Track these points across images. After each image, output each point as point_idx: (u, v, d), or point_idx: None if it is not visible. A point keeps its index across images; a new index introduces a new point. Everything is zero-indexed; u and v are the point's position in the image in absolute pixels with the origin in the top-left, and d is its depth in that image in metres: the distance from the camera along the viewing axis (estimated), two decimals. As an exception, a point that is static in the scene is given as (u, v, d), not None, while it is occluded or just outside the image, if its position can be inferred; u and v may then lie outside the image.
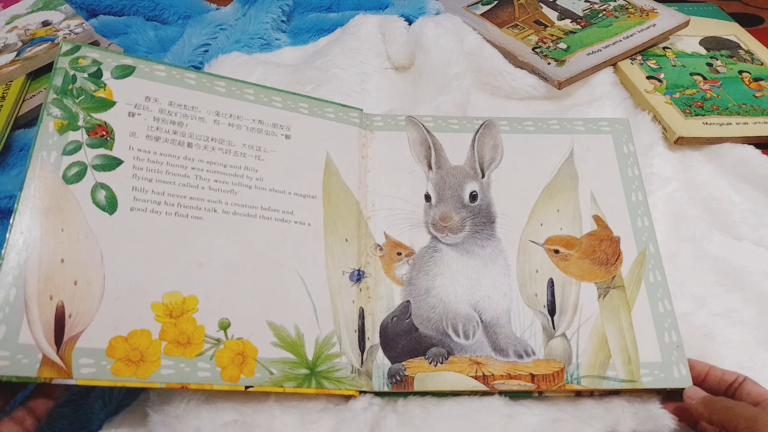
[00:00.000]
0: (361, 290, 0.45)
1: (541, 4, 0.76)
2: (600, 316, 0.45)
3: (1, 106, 0.58)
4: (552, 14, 0.74)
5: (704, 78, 0.67)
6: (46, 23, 0.67)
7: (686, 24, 0.71)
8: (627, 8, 0.74)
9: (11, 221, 0.37)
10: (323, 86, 0.62)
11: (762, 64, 0.69)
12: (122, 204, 0.40)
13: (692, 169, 0.59)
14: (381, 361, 0.43)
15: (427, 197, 0.49)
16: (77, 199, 0.39)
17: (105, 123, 0.42)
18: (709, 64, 0.69)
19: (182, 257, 0.41)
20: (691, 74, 0.68)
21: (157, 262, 0.40)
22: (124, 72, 0.44)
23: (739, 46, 0.72)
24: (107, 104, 0.42)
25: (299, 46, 0.73)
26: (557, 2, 0.76)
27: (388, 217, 0.48)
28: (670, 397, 0.42)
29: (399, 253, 0.47)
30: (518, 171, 0.50)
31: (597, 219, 0.48)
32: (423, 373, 0.42)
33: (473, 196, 0.49)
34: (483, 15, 0.74)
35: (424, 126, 0.52)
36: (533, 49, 0.68)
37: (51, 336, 0.36)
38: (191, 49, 0.69)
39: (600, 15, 0.73)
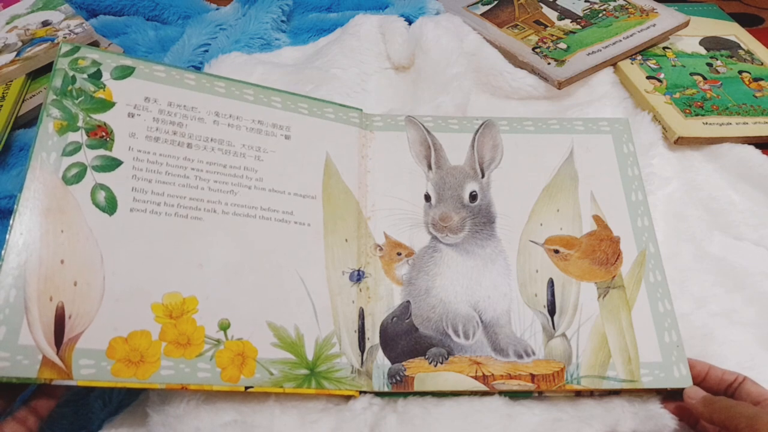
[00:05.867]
0: (360, 290, 0.45)
1: (541, 4, 0.76)
2: (600, 316, 0.45)
3: (1, 106, 0.58)
4: (552, 14, 0.74)
5: (704, 78, 0.67)
6: (46, 23, 0.67)
7: (686, 24, 0.71)
8: (627, 8, 0.74)
9: (11, 222, 0.37)
10: (323, 86, 0.62)
11: (762, 64, 0.69)
12: (122, 205, 0.40)
13: (692, 169, 0.59)
14: (381, 362, 0.43)
15: (427, 197, 0.49)
16: (77, 200, 0.39)
17: (104, 124, 0.42)
18: (709, 64, 0.69)
19: (182, 258, 0.41)
20: (691, 74, 0.68)
21: (157, 263, 0.40)
22: (124, 73, 0.44)
23: (739, 46, 0.72)
24: (107, 105, 0.42)
25: (299, 46, 0.73)
26: (557, 2, 0.76)
27: (387, 217, 0.48)
28: (670, 396, 0.43)
29: (399, 254, 0.47)
30: (518, 171, 0.50)
31: (597, 219, 0.48)
32: (423, 373, 0.42)
33: (473, 196, 0.49)
34: (483, 15, 0.74)
35: (423, 126, 0.52)
36: (533, 49, 0.68)
37: (51, 337, 0.36)
38: (191, 49, 0.69)
39: (600, 15, 0.73)
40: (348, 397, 0.42)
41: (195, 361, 0.38)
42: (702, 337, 0.46)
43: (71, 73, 0.42)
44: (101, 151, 0.41)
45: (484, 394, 0.42)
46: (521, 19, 0.74)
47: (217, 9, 0.78)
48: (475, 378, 0.42)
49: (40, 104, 0.58)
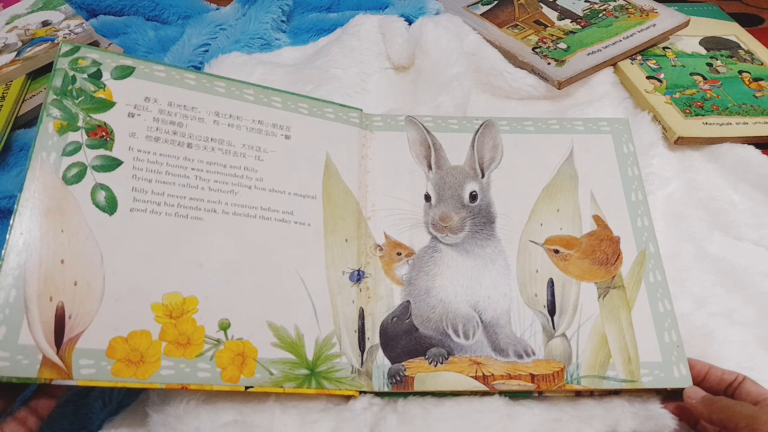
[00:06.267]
0: (360, 290, 0.45)
1: (541, 4, 0.76)
2: (600, 316, 0.45)
3: (1, 106, 0.58)
4: (552, 14, 0.74)
5: (704, 78, 0.67)
6: (46, 23, 0.67)
7: (686, 24, 0.71)
8: (627, 8, 0.74)
9: (11, 222, 0.37)
10: (323, 86, 0.62)
11: (762, 64, 0.69)
12: (122, 205, 0.40)
13: (692, 169, 0.59)
14: (381, 362, 0.43)
15: (427, 197, 0.49)
16: (77, 200, 0.39)
17: (105, 124, 0.42)
18: (709, 64, 0.69)
19: (182, 258, 0.41)
20: (691, 74, 0.68)
21: (157, 263, 0.40)
22: (124, 73, 0.44)
23: (739, 46, 0.72)
24: (107, 105, 0.42)
25: (299, 46, 0.73)
26: (557, 2, 0.76)
27: (387, 217, 0.48)
28: (670, 396, 0.43)
29: (399, 254, 0.47)
30: (518, 171, 0.50)
31: (597, 219, 0.48)
32: (423, 374, 0.42)
33: (473, 196, 0.49)
34: (483, 15, 0.74)
35: (423, 126, 0.52)
36: (533, 49, 0.68)
37: (51, 337, 0.36)
38: (191, 49, 0.69)
39: (600, 15, 0.73)
40: (348, 397, 0.42)
41: (195, 361, 0.38)
42: (702, 337, 0.46)
43: (71, 73, 0.42)
44: (101, 151, 0.41)
45: (484, 394, 0.42)
46: (521, 19, 0.74)
47: (217, 9, 0.78)
48: (475, 378, 0.42)
49: (40, 104, 0.59)
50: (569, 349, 0.44)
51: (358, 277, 0.45)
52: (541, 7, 0.75)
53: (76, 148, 0.40)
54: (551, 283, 0.46)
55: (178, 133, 0.44)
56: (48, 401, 0.38)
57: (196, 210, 0.42)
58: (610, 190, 0.50)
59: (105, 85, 0.43)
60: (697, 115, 0.62)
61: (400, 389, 0.42)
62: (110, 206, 0.40)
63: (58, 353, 0.35)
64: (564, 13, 0.74)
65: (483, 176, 0.50)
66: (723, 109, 0.63)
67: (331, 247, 0.46)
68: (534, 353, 0.43)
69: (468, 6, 0.76)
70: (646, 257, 0.47)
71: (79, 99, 0.42)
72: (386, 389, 0.42)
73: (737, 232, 0.53)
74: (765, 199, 0.56)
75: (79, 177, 0.40)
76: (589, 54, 0.67)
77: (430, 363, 0.43)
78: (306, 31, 0.75)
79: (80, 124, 0.41)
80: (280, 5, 0.74)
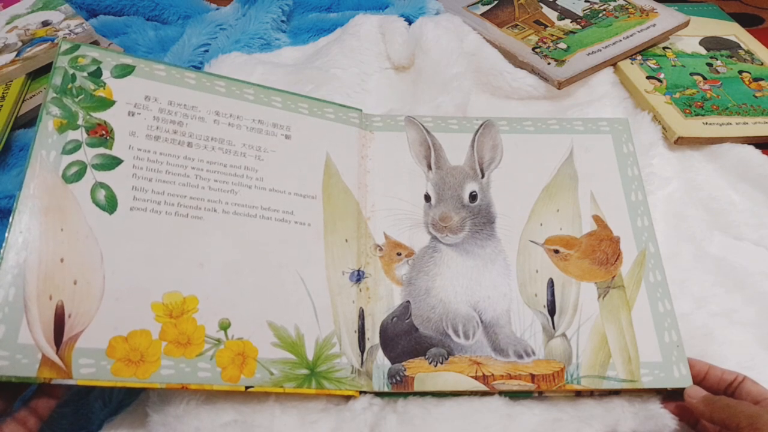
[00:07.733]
0: (360, 290, 0.45)
1: (541, 4, 0.76)
2: (600, 315, 0.45)
3: (1, 106, 0.58)
4: (552, 14, 0.74)
5: (704, 78, 0.67)
6: (46, 23, 0.67)
7: (686, 24, 0.71)
8: (627, 8, 0.74)
9: (10, 221, 0.37)
10: (323, 86, 0.62)
11: (762, 64, 0.69)
12: (122, 203, 0.40)
13: (692, 169, 0.59)
14: (381, 362, 0.43)
15: (427, 197, 0.49)
16: (77, 199, 0.39)
17: (104, 122, 0.42)
18: (709, 64, 0.69)
19: (182, 257, 0.41)
20: (691, 74, 0.68)
21: (157, 262, 0.40)
22: (124, 71, 0.44)
23: (739, 46, 0.72)
24: (107, 103, 0.42)
25: (299, 46, 0.73)
26: (557, 2, 0.76)
27: (387, 218, 0.48)
28: (670, 396, 0.42)
29: (399, 254, 0.47)
30: (518, 171, 0.50)
31: (597, 219, 0.48)
32: (423, 374, 0.42)
33: (473, 197, 0.49)
34: (483, 15, 0.74)
35: (423, 126, 0.52)
36: (533, 49, 0.68)
37: (51, 336, 0.35)
38: (191, 49, 0.69)
39: (600, 15, 0.73)
40: (348, 398, 0.42)
41: (195, 361, 0.38)
42: (702, 337, 0.46)
43: (71, 71, 0.42)
44: (101, 150, 0.41)
45: (484, 394, 0.42)
46: (521, 19, 0.74)
47: (217, 9, 0.78)
48: (475, 378, 0.42)
49: (40, 104, 0.58)
50: (569, 349, 0.43)
51: (358, 277, 0.45)
52: (541, 7, 0.75)
53: (76, 146, 0.40)
54: (551, 283, 0.46)
55: (179, 132, 0.44)
56: (48, 401, 0.38)
57: (197, 209, 0.42)
58: (610, 190, 0.50)
59: (105, 83, 0.43)
60: (697, 115, 0.62)
61: (400, 389, 0.42)
62: (110, 205, 0.40)
63: (57, 352, 0.35)
64: (564, 13, 0.74)
65: (483, 176, 0.50)
66: (723, 109, 0.63)
67: (331, 247, 0.45)
68: (534, 353, 0.43)
69: (468, 6, 0.76)
70: (646, 257, 0.47)
71: (79, 97, 0.42)
72: (386, 389, 0.42)
73: (737, 232, 0.53)
74: (765, 199, 0.56)
75: (78, 175, 0.40)
76: (589, 54, 0.67)
77: (430, 363, 0.43)
78: (306, 31, 0.76)
79: (80, 122, 0.41)
80: (280, 5, 0.74)
